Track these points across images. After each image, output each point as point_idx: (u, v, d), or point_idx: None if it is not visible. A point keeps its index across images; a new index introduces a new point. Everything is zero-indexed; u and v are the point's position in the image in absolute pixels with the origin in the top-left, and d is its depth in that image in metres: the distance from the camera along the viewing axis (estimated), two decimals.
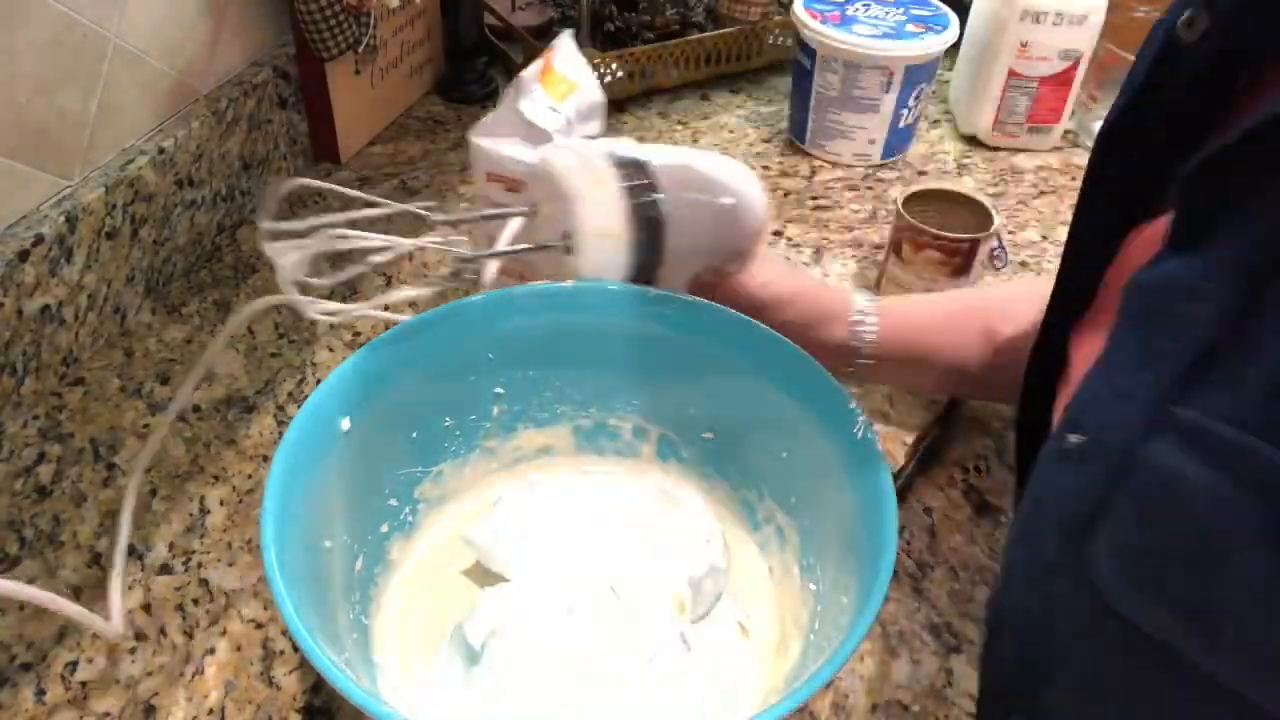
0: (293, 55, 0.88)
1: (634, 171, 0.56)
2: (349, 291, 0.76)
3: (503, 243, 0.61)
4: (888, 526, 0.42)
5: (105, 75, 0.70)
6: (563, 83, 0.67)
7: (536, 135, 0.65)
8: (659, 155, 0.58)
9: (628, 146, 0.58)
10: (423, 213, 0.56)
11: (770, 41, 1.09)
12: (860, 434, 0.46)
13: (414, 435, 0.55)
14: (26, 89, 0.63)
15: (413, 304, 0.53)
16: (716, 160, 0.59)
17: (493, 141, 0.67)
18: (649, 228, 0.57)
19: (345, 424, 0.50)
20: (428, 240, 0.56)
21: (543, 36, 1.04)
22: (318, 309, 0.51)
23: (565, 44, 0.70)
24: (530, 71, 0.67)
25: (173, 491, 0.63)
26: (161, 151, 0.74)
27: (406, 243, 0.54)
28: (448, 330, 0.54)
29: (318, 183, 0.58)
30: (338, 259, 0.51)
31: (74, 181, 0.69)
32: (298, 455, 0.46)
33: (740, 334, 0.54)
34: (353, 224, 0.51)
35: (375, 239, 0.53)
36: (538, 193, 0.60)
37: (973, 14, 0.99)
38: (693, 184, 0.58)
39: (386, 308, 0.56)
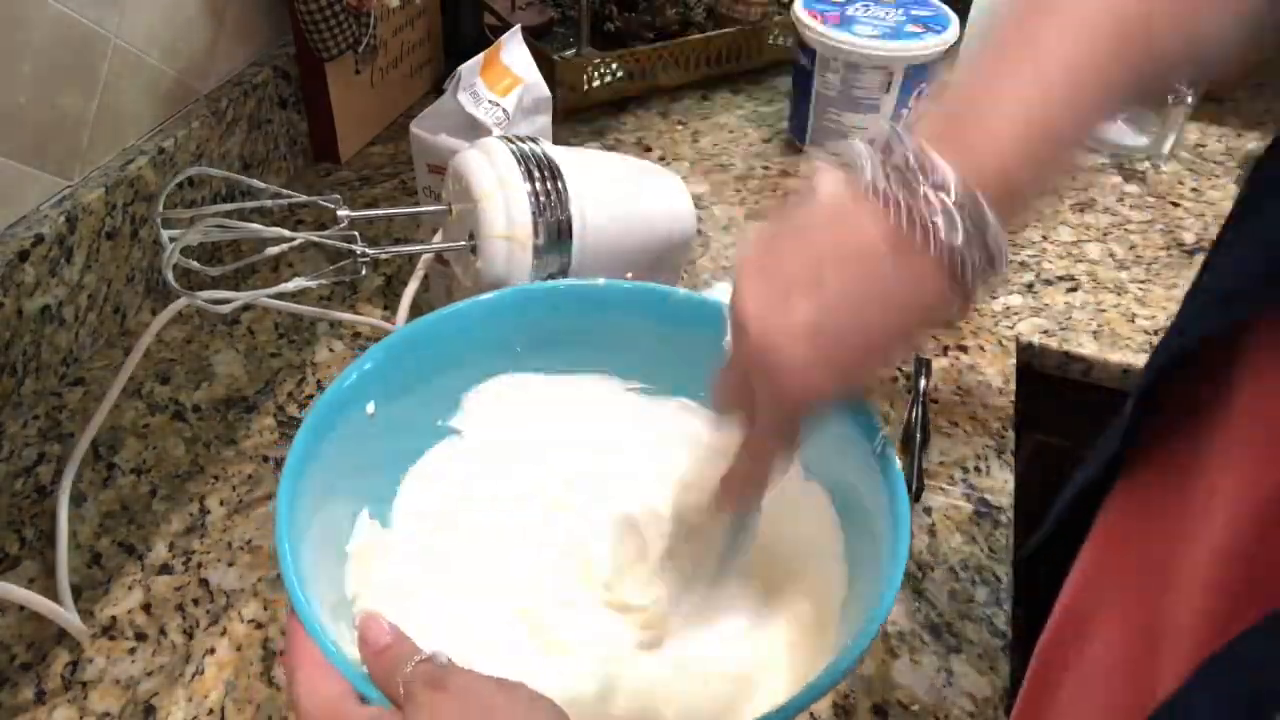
0: (293, 55, 0.88)
1: (545, 175, 0.57)
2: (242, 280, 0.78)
3: (436, 239, 0.62)
4: (900, 543, 0.42)
5: (105, 75, 0.70)
6: (507, 76, 0.68)
7: (475, 128, 0.65)
8: (578, 160, 0.58)
9: (550, 149, 0.58)
10: (328, 205, 0.56)
11: (770, 41, 1.09)
12: (879, 450, 0.46)
13: (439, 422, 0.55)
14: (26, 89, 0.63)
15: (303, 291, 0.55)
16: (642, 167, 0.59)
17: (431, 133, 0.68)
18: (555, 232, 0.57)
19: (370, 408, 0.49)
20: (314, 234, 0.57)
21: (543, 37, 1.04)
22: (203, 296, 0.53)
23: (514, 38, 0.70)
24: (472, 64, 0.67)
25: (173, 491, 0.63)
26: (161, 151, 0.74)
27: (299, 236, 0.55)
28: (479, 320, 0.53)
29: (213, 170, 0.59)
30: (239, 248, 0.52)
31: (74, 181, 0.69)
32: (319, 436, 0.46)
33: None
34: (259, 213, 0.52)
35: (268, 231, 0.54)
36: (452, 192, 0.61)
37: (973, 14, 0.99)
38: (611, 191, 0.58)
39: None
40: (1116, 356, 0.76)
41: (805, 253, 0.37)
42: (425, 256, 0.65)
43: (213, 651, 0.54)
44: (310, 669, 0.36)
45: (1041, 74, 0.34)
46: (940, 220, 0.34)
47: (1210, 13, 0.35)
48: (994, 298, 0.81)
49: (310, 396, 0.70)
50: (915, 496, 0.64)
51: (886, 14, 0.93)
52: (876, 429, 0.45)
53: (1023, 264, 0.86)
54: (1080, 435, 0.84)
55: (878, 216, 0.35)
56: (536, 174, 0.57)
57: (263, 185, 0.58)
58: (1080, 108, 0.34)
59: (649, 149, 0.99)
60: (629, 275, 0.62)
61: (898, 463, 0.44)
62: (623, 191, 0.61)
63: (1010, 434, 0.69)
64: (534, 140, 0.60)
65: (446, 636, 0.46)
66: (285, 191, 0.57)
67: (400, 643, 0.37)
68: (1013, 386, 0.73)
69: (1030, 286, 0.83)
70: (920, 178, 0.34)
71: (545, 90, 0.71)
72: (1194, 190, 0.96)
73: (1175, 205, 0.94)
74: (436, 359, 0.52)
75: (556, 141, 0.63)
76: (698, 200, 0.87)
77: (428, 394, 0.52)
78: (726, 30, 1.06)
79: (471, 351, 0.53)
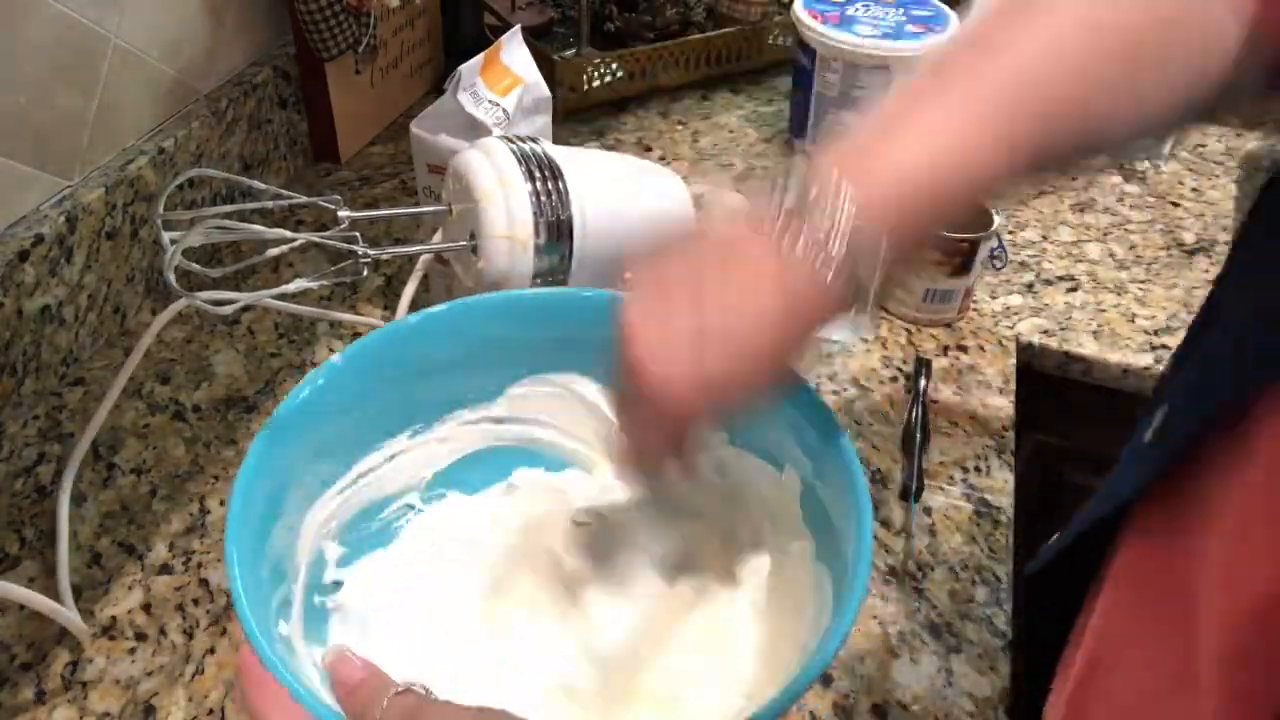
0: (293, 55, 0.88)
1: (546, 175, 0.57)
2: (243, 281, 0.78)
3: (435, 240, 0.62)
4: (861, 562, 0.40)
5: (105, 75, 0.70)
6: (507, 76, 0.68)
7: (475, 128, 0.65)
8: (579, 160, 0.58)
9: (550, 149, 0.58)
10: (329, 206, 0.56)
11: (770, 41, 1.09)
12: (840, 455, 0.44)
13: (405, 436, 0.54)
14: (26, 89, 0.63)
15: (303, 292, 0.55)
16: (643, 167, 0.59)
17: (431, 133, 0.68)
18: (556, 232, 0.57)
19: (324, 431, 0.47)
20: (315, 235, 0.57)
21: (543, 37, 1.04)
22: (204, 297, 0.53)
23: (514, 38, 0.70)
24: (473, 64, 0.67)
25: (173, 491, 0.63)
26: (161, 151, 0.74)
27: (300, 236, 0.55)
28: (471, 321, 0.52)
29: (213, 172, 0.59)
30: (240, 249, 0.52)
31: (74, 181, 0.69)
32: (270, 457, 0.43)
33: None
34: (259, 214, 0.52)
35: (269, 232, 0.54)
36: (452, 192, 0.61)
37: (972, 14, 0.99)
38: (611, 191, 0.58)
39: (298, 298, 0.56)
40: (1116, 356, 0.76)
41: (689, 266, 0.39)
42: (424, 256, 0.65)
43: (213, 651, 0.54)
44: (279, 715, 0.35)
45: (952, 117, 0.36)
46: (825, 238, 0.35)
47: (1163, 82, 0.36)
48: (994, 297, 0.81)
49: None
50: (915, 496, 0.64)
51: (886, 14, 0.93)
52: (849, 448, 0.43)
53: (1023, 264, 0.86)
54: (1080, 435, 0.85)
55: (762, 227, 0.36)
56: (537, 174, 0.57)
57: (263, 186, 0.58)
58: (980, 158, 0.36)
59: (649, 149, 0.99)
60: (628, 275, 0.62)
61: (861, 474, 0.42)
62: (623, 191, 0.61)
63: (1010, 434, 0.69)
64: (534, 140, 0.60)
65: (425, 653, 0.45)
66: (285, 192, 0.57)
67: (374, 677, 0.36)
68: (1013, 386, 0.73)
69: (1030, 286, 0.83)
70: (815, 198, 0.35)
71: (545, 90, 0.71)
72: (1194, 190, 0.96)
73: (1175, 205, 0.94)
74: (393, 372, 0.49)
75: (556, 141, 0.63)
76: (698, 200, 0.87)
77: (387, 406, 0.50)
78: (726, 30, 1.06)
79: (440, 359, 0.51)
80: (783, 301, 0.37)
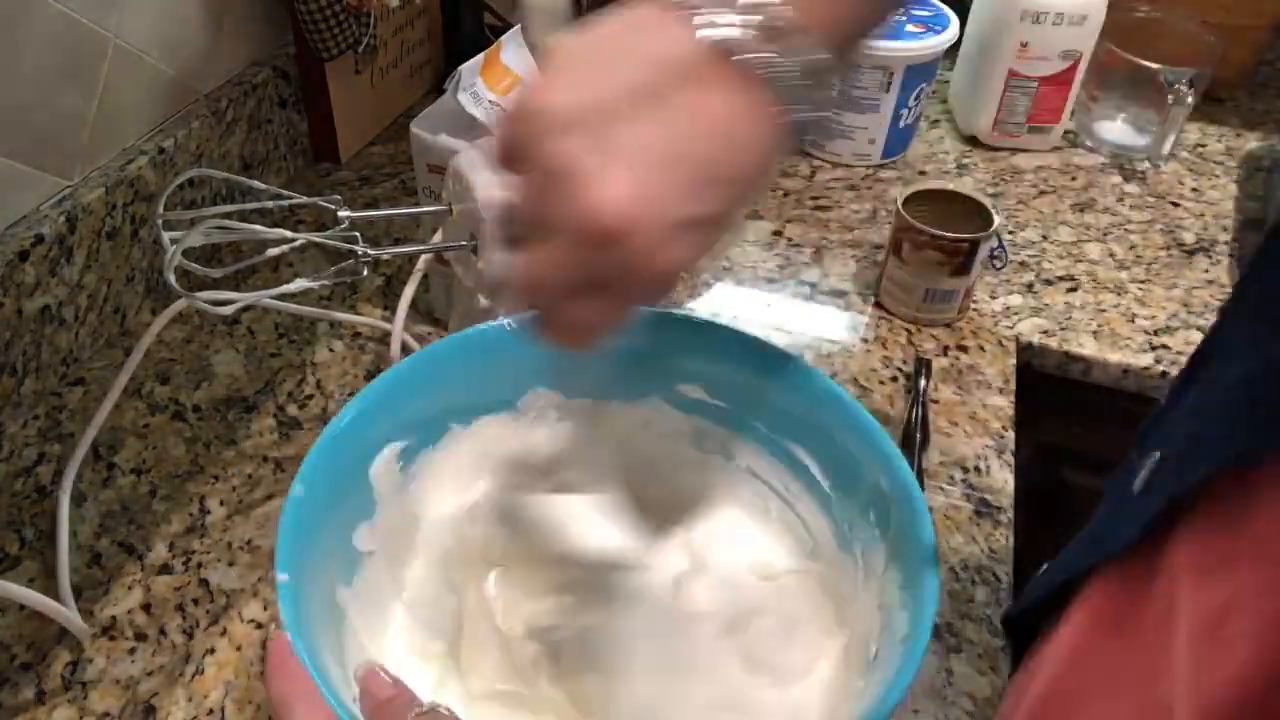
0: (293, 55, 0.88)
1: None
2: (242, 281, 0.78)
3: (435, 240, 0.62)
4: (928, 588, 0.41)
5: (105, 75, 0.70)
6: (507, 76, 0.68)
7: (475, 128, 0.65)
8: None
9: None
10: (329, 206, 0.56)
11: None
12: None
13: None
14: (26, 89, 0.63)
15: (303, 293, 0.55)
16: None
17: (431, 133, 0.67)
18: None
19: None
20: (315, 235, 0.57)
21: None
22: (204, 297, 0.53)
23: (514, 38, 0.70)
24: (472, 64, 0.67)
25: (173, 491, 0.63)
26: (161, 151, 0.74)
27: (300, 237, 0.55)
28: (502, 350, 0.52)
29: (213, 172, 0.59)
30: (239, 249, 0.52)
31: (74, 181, 0.69)
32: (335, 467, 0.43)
33: (793, 372, 0.51)
34: (259, 214, 0.52)
35: (269, 232, 0.54)
36: (452, 192, 0.61)
37: (973, 14, 0.99)
38: None
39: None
40: (1116, 356, 0.76)
41: (628, 68, 0.32)
42: (424, 256, 0.65)
43: (213, 651, 0.54)
44: (303, 709, 0.35)
45: None
46: (745, 31, 0.31)
47: None
48: (994, 297, 0.81)
49: (310, 396, 0.70)
50: None
51: None
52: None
53: (1023, 264, 0.86)
54: (1080, 435, 0.85)
55: (685, 26, 0.32)
56: None
57: (263, 186, 0.58)
58: None
59: None
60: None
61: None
62: None
63: (1010, 434, 0.69)
64: None
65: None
66: (285, 192, 0.57)
67: (402, 695, 0.36)
68: (1013, 386, 0.73)
69: (1030, 286, 0.83)
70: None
71: None
72: (1194, 190, 0.96)
73: (1175, 205, 0.94)
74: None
75: None
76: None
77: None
78: None
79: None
80: (732, 121, 0.32)
